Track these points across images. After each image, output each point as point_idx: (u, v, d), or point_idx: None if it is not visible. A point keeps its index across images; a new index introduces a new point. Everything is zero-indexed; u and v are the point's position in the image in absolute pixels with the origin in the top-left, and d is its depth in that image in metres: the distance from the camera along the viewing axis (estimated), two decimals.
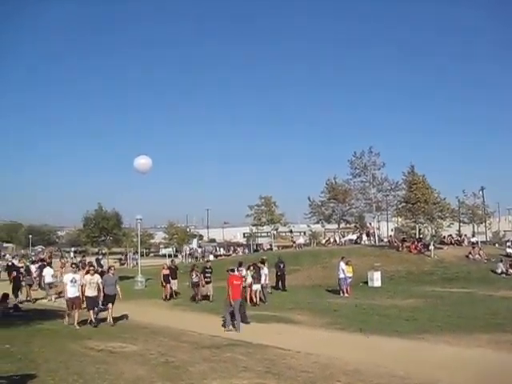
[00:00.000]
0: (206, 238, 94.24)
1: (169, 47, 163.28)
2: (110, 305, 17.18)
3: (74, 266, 19.04)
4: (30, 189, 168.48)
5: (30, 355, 10.92)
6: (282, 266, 28.99)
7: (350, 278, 25.76)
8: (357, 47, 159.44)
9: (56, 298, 24.61)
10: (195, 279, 24.33)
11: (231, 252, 71.32)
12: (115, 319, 17.47)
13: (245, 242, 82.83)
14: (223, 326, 16.38)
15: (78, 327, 15.93)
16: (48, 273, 27.03)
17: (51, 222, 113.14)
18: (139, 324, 17.06)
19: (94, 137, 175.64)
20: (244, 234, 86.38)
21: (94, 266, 21.10)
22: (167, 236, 63.20)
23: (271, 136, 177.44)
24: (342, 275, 25.33)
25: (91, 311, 16.72)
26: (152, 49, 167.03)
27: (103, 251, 43.15)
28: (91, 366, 10.22)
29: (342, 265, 25.57)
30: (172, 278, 25.93)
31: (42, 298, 26.61)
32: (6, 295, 20.02)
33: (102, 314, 17.72)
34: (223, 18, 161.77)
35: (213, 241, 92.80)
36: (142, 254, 46.02)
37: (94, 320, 16.59)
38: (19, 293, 24.75)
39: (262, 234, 71.27)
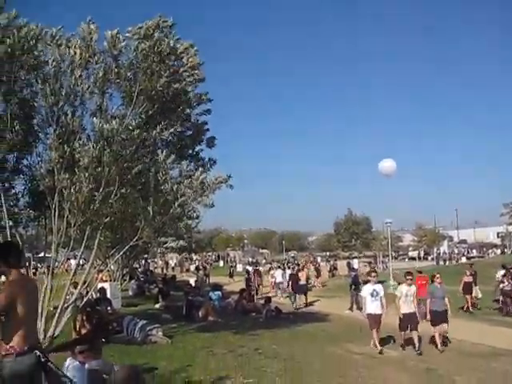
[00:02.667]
0: (455, 239, 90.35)
1: None
2: (444, 326, 13.22)
3: (373, 273, 14.43)
4: (283, 199, 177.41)
5: (294, 356, 11.45)
6: None
7: None
8: None
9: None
10: (507, 287, 20.34)
11: (484, 254, 67.61)
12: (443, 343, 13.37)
13: (499, 243, 77.75)
14: None
15: (379, 349, 12.77)
16: (279, 274, 30.25)
17: (302, 228, 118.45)
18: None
19: (335, 143, 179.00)
20: (498, 233, 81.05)
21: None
22: (416, 238, 62.07)
23: None
24: None
25: (414, 332, 12.92)
26: None
27: (353, 255, 43.84)
28: (353, 369, 10.40)
29: None
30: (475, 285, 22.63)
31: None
32: (269, 299, 21.46)
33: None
34: None
35: (463, 242, 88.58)
36: (391, 256, 45.78)
37: (418, 346, 12.77)
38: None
39: None
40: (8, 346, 4.69)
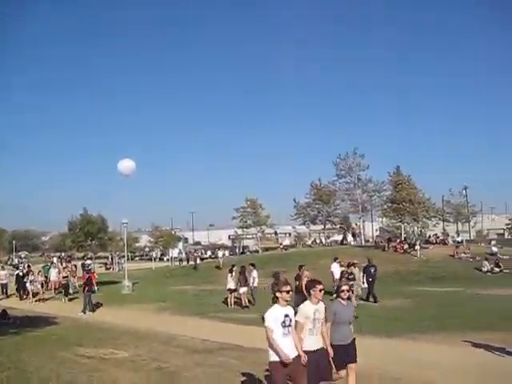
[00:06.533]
0: (191, 241, 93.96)
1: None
2: (352, 366, 8.19)
3: (285, 287, 7.19)
4: (13, 194, 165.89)
5: (19, 364, 10.77)
6: (373, 271, 23.67)
7: None
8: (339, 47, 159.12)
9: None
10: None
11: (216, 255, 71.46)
12: None
13: (230, 244, 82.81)
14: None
15: None
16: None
17: (36, 227, 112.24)
18: (128, 329, 16.89)
19: (76, 141, 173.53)
20: (229, 236, 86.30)
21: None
22: (152, 239, 63.08)
23: (256, 137, 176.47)
24: (336, 276, 24.19)
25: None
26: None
27: (89, 256, 42.83)
28: (83, 373, 10.10)
29: (338, 266, 25.06)
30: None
31: None
32: None
33: None
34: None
35: (198, 243, 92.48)
36: (127, 257, 45.80)
37: None
38: None
39: (248, 236, 71.44)
40: None
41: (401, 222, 44.24)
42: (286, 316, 7.07)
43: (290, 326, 7.10)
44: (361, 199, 51.12)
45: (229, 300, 23.22)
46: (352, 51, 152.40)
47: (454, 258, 37.77)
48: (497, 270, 33.74)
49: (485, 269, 33.75)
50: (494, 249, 40.01)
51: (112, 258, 59.51)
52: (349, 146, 77.88)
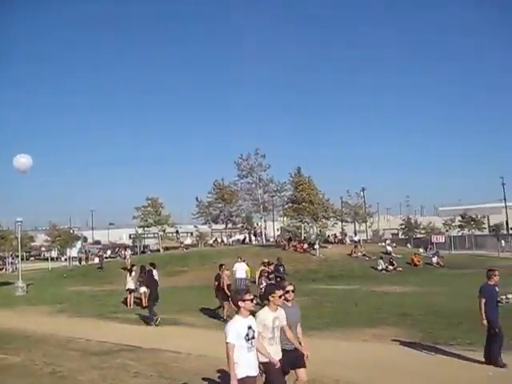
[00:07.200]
0: (90, 240, 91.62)
1: None
2: (302, 374, 7.65)
3: (246, 296, 6.46)
4: None
5: None
6: (282, 270, 24.14)
7: (246, 278, 23.93)
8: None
9: None
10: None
11: (116, 254, 69.97)
12: None
13: (131, 244, 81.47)
14: None
15: None
16: None
17: None
18: (21, 333, 16.11)
19: None
20: (130, 235, 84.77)
21: None
22: (49, 238, 60.80)
23: (158, 135, 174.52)
24: (239, 275, 23.77)
25: None
26: None
27: None
28: None
29: (242, 265, 25.00)
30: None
31: None
32: None
33: None
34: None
35: (98, 242, 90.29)
36: (22, 257, 43.85)
37: None
38: None
39: (149, 235, 70.47)
40: None
41: (301, 221, 45.25)
42: (249, 328, 6.33)
43: (253, 338, 6.37)
44: (262, 199, 51.72)
45: (128, 300, 22.79)
46: (249, 49, 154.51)
47: (351, 257, 39.04)
48: (391, 268, 35.59)
49: (380, 267, 35.40)
50: (389, 248, 42.14)
51: (5, 258, 56.94)
52: (251, 145, 78.18)
